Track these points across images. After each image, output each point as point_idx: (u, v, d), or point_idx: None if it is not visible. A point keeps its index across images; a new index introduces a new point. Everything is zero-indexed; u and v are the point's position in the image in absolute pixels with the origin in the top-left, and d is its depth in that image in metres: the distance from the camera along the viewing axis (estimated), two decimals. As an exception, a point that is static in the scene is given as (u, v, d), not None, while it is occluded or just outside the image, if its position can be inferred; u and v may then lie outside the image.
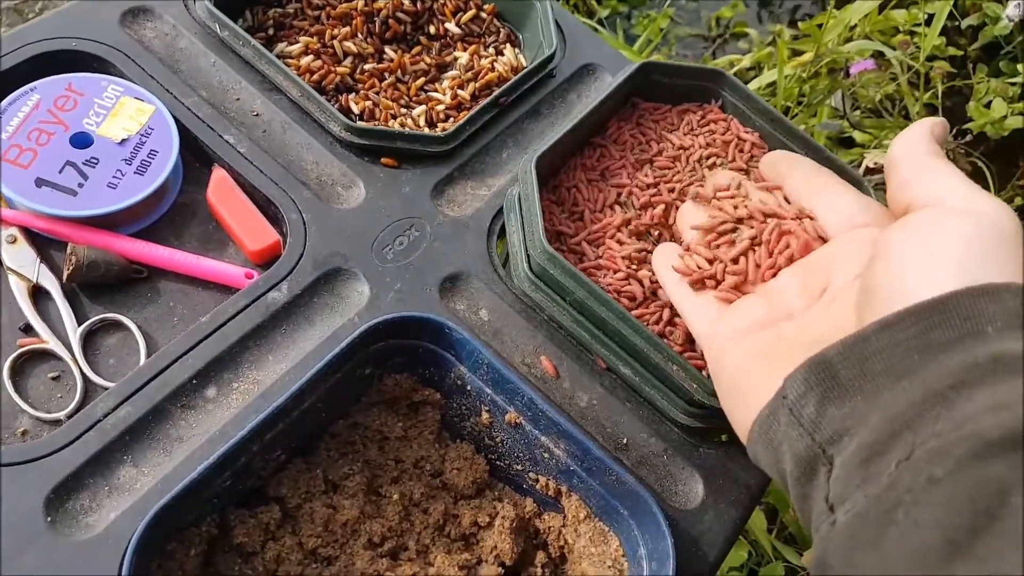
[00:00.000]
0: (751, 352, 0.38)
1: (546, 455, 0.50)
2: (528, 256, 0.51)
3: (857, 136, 1.18)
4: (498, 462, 0.53)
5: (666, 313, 0.50)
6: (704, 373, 0.48)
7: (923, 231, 0.32)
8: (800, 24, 1.28)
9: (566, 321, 0.51)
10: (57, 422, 0.44)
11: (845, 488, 0.28)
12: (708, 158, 0.56)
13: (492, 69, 0.63)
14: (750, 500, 0.50)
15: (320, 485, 0.49)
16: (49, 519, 0.40)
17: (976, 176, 0.95)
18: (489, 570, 0.49)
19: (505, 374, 0.48)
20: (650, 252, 0.52)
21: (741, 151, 0.56)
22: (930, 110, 1.14)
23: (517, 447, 0.51)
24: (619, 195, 0.54)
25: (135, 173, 0.49)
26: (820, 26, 1.10)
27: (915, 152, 0.36)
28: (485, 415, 0.51)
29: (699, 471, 0.50)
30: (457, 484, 0.52)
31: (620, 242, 0.52)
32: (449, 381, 0.52)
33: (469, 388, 0.51)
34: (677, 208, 0.53)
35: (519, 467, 0.52)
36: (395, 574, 0.47)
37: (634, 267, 0.51)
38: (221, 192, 0.51)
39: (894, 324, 0.29)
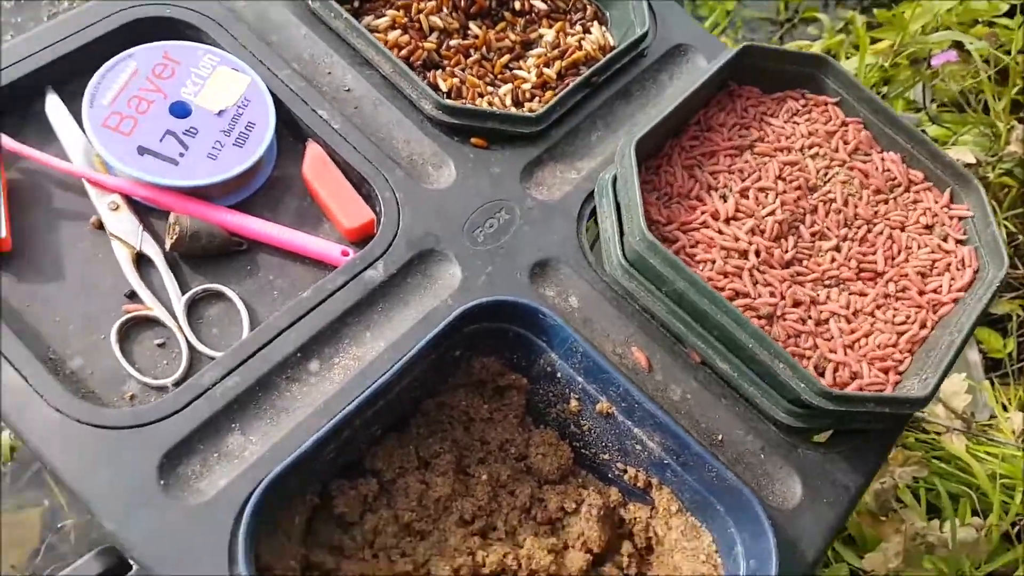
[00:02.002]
0: None
1: (638, 447, 0.54)
2: (623, 244, 0.55)
3: (933, 131, 1.21)
4: (583, 450, 0.58)
5: (765, 310, 0.54)
6: (822, 364, 0.52)
7: None
8: (876, 11, 1.30)
9: (661, 312, 0.55)
10: (164, 388, 0.49)
11: None
12: (811, 147, 0.60)
13: (579, 48, 0.67)
14: (849, 502, 0.54)
15: (413, 461, 0.54)
16: (162, 482, 0.45)
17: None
18: (576, 556, 0.54)
19: (600, 363, 0.52)
20: (750, 245, 0.56)
21: (845, 142, 0.60)
22: (1015, 106, 1.17)
23: (606, 437, 0.56)
24: (717, 182, 0.58)
25: (234, 145, 0.53)
26: (902, 14, 1.13)
27: None
28: (574, 403, 0.56)
29: (797, 471, 0.54)
30: (542, 469, 0.56)
31: (719, 231, 0.56)
32: (538, 367, 0.56)
33: (559, 375, 0.55)
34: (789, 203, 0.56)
35: (606, 456, 0.57)
36: (487, 553, 0.52)
37: (734, 258, 0.55)
38: (317, 168, 0.55)
39: None
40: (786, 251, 0.58)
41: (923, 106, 1.19)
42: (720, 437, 0.54)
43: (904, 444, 1.10)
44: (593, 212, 0.59)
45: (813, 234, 0.59)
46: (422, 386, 0.54)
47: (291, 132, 0.58)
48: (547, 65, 0.67)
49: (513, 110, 0.64)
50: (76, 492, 0.44)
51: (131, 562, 0.52)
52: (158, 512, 0.45)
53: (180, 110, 0.54)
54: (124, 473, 0.45)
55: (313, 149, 0.56)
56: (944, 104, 1.24)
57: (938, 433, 1.10)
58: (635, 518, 0.56)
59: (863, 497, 1.03)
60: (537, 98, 0.65)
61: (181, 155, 0.53)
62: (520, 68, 0.67)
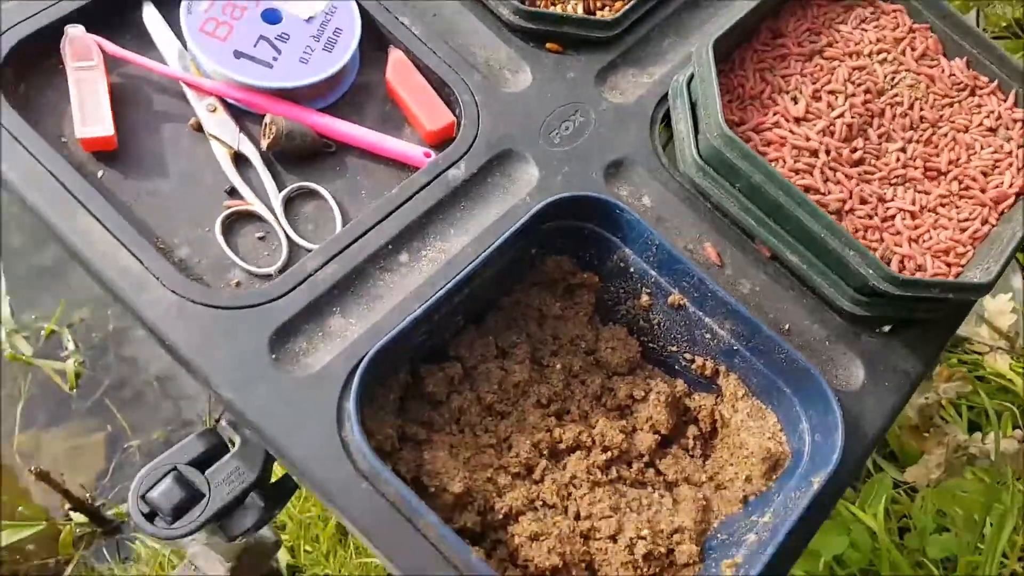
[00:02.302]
0: None
1: (707, 336, 0.57)
2: (697, 142, 0.58)
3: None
4: (651, 344, 0.61)
5: (834, 206, 0.57)
6: (889, 256, 0.54)
7: None
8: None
9: (733, 208, 0.58)
10: (267, 276, 0.53)
11: None
12: (879, 53, 0.61)
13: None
14: (909, 387, 0.57)
15: (492, 350, 0.58)
16: (274, 357, 0.50)
17: None
18: (645, 437, 0.58)
19: (675, 255, 0.55)
20: (820, 145, 0.58)
21: (912, 48, 0.61)
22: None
23: (675, 329, 0.59)
24: (788, 85, 0.60)
25: (323, 50, 0.56)
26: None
27: None
28: (645, 298, 0.59)
29: (860, 357, 0.57)
30: (611, 362, 0.60)
31: (791, 131, 0.58)
32: (610, 264, 0.59)
33: (631, 270, 0.58)
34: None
35: (673, 348, 0.60)
36: (563, 430, 0.56)
37: (805, 156, 0.58)
38: (400, 73, 0.58)
39: None
40: (854, 151, 0.60)
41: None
42: (787, 327, 0.57)
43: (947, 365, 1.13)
44: (665, 115, 0.62)
45: (880, 135, 0.61)
46: (499, 283, 0.58)
47: (373, 40, 0.61)
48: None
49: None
50: (195, 366, 0.49)
51: (229, 444, 0.57)
52: (271, 383, 0.49)
53: (271, 16, 0.57)
54: (239, 348, 0.49)
55: (395, 55, 0.59)
56: (995, 34, 1.23)
57: (981, 353, 1.13)
58: (700, 406, 0.60)
59: (905, 412, 1.06)
60: (607, 7, 0.67)
61: (275, 59, 0.56)
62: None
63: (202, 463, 0.55)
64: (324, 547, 1.17)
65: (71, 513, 1.24)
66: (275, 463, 0.59)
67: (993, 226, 0.60)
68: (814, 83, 0.61)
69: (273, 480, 0.61)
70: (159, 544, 1.21)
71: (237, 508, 0.57)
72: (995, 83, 0.65)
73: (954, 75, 0.65)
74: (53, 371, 1.28)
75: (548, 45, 0.62)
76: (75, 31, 0.53)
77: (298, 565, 1.18)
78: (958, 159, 0.62)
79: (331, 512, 0.51)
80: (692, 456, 0.60)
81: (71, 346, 1.29)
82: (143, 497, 0.53)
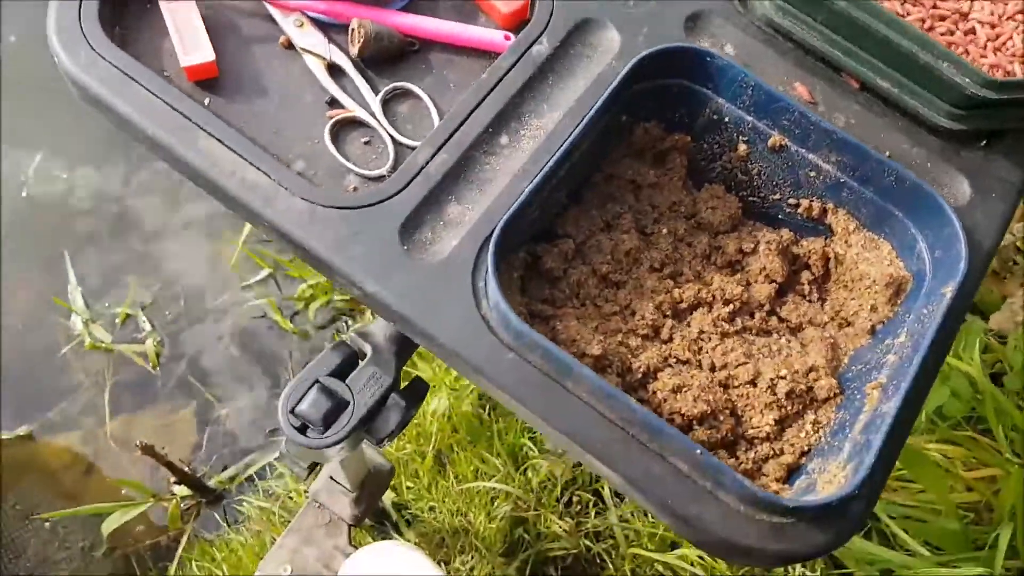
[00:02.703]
0: None
1: (812, 173, 0.59)
2: (773, -18, 0.58)
3: None
4: (751, 197, 0.63)
5: (915, 25, 0.58)
6: (978, 65, 0.55)
7: None
8: None
9: (817, 42, 0.59)
10: (380, 178, 0.55)
11: None
12: None
13: None
14: (1016, 195, 0.59)
15: (598, 223, 0.60)
16: (405, 248, 0.52)
17: None
18: (762, 288, 0.60)
19: (774, 93, 0.57)
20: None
21: None
22: None
23: (777, 174, 0.61)
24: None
25: (394, -52, 0.58)
26: None
27: None
28: (742, 147, 0.61)
29: (963, 173, 0.59)
30: (712, 222, 0.62)
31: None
32: (702, 119, 0.61)
33: (726, 120, 0.60)
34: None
35: (776, 196, 0.62)
36: (682, 289, 0.58)
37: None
38: (469, -40, 0.59)
39: None
40: (926, -29, 0.60)
41: None
42: (887, 154, 0.59)
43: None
44: (733, -36, 0.62)
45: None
46: (594, 156, 0.60)
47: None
48: None
49: None
50: (335, 267, 0.52)
51: (362, 351, 0.60)
52: (407, 272, 0.52)
53: (339, -79, 0.58)
54: (373, 243, 0.52)
55: (462, -56, 0.60)
56: None
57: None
58: (809, 251, 0.62)
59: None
60: None
61: (349, -37, 0.57)
62: None
63: (340, 374, 0.58)
64: (425, 481, 1.21)
65: (174, 488, 1.30)
66: (403, 367, 0.62)
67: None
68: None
69: (404, 384, 0.64)
70: (267, 503, 1.26)
71: (380, 411, 0.60)
72: None
73: None
74: (135, 354, 1.32)
75: (606, -87, 0.63)
76: (162, -36, 0.55)
77: (402, 502, 1.22)
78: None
79: (482, 387, 0.53)
80: (810, 301, 0.62)
81: (147, 327, 1.34)
82: (293, 411, 0.57)
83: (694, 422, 0.54)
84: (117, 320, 1.34)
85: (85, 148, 1.50)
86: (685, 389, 0.54)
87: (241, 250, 1.39)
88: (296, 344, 1.38)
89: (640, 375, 0.55)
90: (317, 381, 0.57)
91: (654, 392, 0.55)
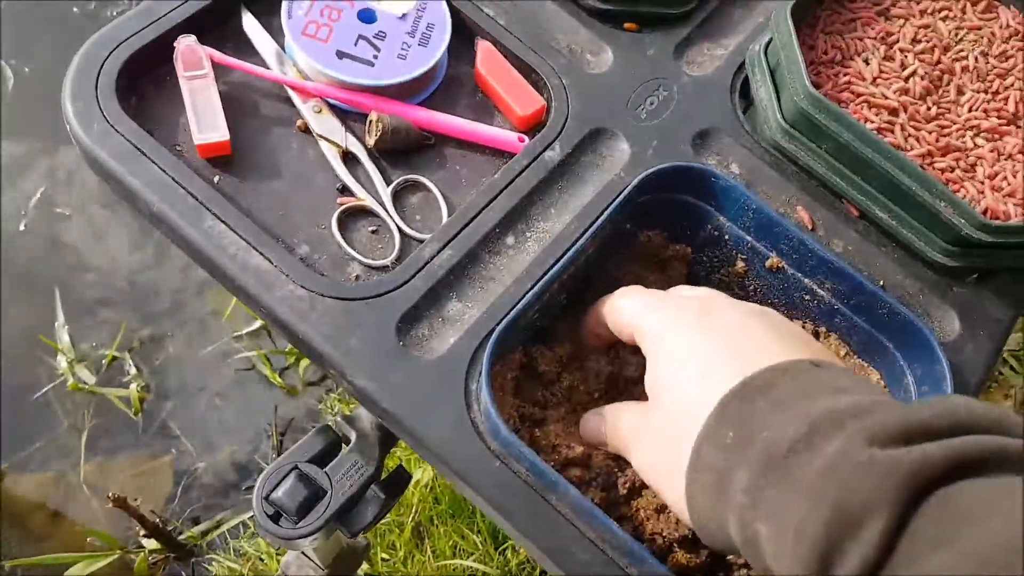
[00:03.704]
0: None
1: (807, 297, 0.60)
2: (780, 107, 0.61)
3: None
4: (748, 310, 0.64)
5: (916, 161, 0.60)
6: (973, 206, 0.57)
7: None
8: None
9: (820, 169, 0.61)
10: (384, 268, 0.56)
11: None
12: (940, 11, 0.65)
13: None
14: (1002, 333, 0.60)
15: (597, 328, 0.61)
16: (401, 343, 0.53)
17: None
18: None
19: (773, 217, 0.58)
20: (899, 103, 0.61)
21: (972, 3, 0.64)
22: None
23: (772, 293, 0.62)
24: (858, 48, 0.63)
25: (419, 45, 0.60)
26: None
27: None
28: (740, 264, 0.62)
29: (954, 308, 0.60)
30: (709, 332, 0.63)
31: (869, 91, 0.61)
32: (704, 234, 0.62)
33: (726, 238, 0.61)
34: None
35: (772, 312, 0.63)
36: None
37: (884, 115, 0.60)
38: (490, 63, 0.62)
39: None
40: (929, 107, 0.63)
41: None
42: (881, 283, 0.60)
43: None
44: (743, 84, 0.65)
45: (952, 90, 0.64)
46: (597, 261, 0.61)
47: (458, 33, 0.64)
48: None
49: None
50: (329, 358, 0.52)
51: (346, 437, 0.60)
52: (401, 369, 0.52)
53: (367, 16, 0.61)
54: (370, 336, 0.53)
55: (484, 46, 0.63)
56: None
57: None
58: (803, 368, 0.62)
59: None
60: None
61: (375, 57, 0.59)
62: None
63: (320, 460, 0.58)
64: (401, 554, 1.20)
65: (143, 540, 1.27)
66: (386, 457, 0.62)
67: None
68: (884, 44, 0.64)
69: (385, 474, 0.64)
70: (237, 564, 1.24)
71: (358, 502, 0.60)
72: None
73: (1010, 25, 0.68)
74: (117, 398, 1.32)
75: (625, 25, 0.66)
76: (188, 40, 0.57)
77: (376, 573, 1.20)
78: (1032, 106, 0.65)
79: (465, 494, 0.53)
80: None
81: (133, 370, 1.33)
82: (267, 498, 0.56)
83: (674, 544, 0.54)
84: (104, 361, 1.34)
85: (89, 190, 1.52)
86: (668, 510, 0.54)
87: (236, 300, 1.39)
88: (283, 399, 1.38)
89: (625, 491, 0.55)
90: (296, 467, 0.57)
91: (637, 510, 0.55)
